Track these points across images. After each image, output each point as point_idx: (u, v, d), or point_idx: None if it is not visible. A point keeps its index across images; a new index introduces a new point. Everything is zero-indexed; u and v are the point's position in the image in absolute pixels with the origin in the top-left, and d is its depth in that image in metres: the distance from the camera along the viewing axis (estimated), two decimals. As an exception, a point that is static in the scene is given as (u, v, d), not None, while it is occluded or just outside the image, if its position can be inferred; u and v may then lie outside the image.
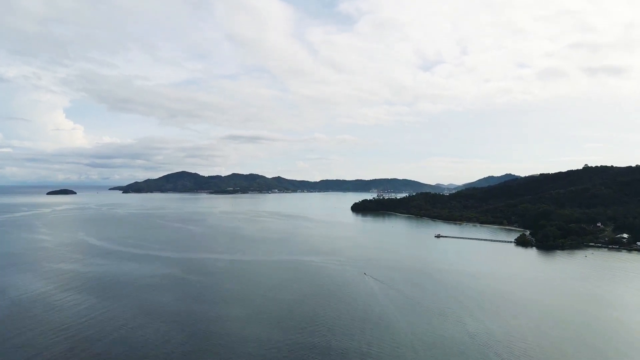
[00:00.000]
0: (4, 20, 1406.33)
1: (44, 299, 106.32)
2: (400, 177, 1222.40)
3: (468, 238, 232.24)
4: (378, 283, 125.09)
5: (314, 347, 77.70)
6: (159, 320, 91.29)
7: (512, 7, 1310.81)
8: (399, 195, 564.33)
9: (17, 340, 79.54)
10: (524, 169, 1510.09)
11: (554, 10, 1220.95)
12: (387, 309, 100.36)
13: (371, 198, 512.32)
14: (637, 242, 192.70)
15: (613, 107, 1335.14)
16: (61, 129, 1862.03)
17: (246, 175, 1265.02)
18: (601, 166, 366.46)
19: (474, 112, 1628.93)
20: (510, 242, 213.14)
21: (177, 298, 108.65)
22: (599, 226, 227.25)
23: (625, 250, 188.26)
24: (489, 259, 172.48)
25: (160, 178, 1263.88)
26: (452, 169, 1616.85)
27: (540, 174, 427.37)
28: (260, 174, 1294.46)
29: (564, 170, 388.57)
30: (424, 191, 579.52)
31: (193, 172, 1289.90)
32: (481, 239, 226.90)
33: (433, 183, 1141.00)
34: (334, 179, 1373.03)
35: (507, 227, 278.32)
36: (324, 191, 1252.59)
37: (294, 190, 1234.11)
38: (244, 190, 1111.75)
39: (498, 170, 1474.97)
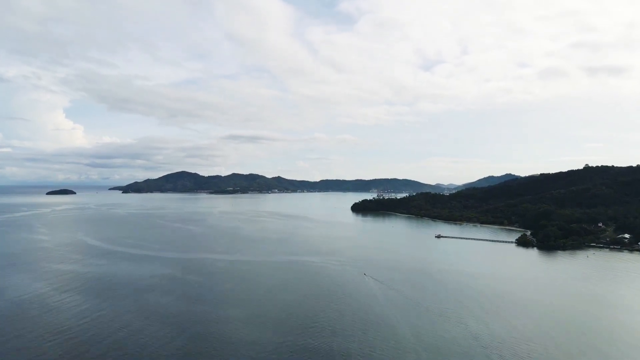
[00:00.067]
0: (4, 20, 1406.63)
1: (42, 300, 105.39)
2: (400, 177, 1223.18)
3: (469, 238, 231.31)
4: (379, 284, 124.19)
5: (315, 350, 76.77)
6: (157, 322, 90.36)
7: (512, 7, 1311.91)
8: (399, 195, 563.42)
9: (14, 342, 78.58)
10: (524, 168, 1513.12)
11: (554, 10, 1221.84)
12: (388, 310, 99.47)
13: (371, 198, 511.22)
14: (639, 243, 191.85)
15: (613, 107, 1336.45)
16: (61, 129, 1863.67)
17: (246, 175, 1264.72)
18: (602, 166, 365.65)
19: (474, 112, 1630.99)
20: (511, 242, 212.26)
21: (176, 299, 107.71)
22: (600, 226, 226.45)
23: (626, 251, 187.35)
24: (490, 259, 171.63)
25: (160, 178, 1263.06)
26: (452, 169, 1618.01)
27: (541, 174, 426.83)
28: (260, 174, 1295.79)
29: (564, 170, 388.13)
30: (424, 191, 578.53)
31: (193, 172, 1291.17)
32: (482, 239, 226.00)
33: (433, 183, 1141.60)
34: (334, 179, 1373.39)
35: (508, 227, 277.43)
36: (324, 191, 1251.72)
37: (294, 190, 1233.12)
38: (243, 190, 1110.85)
39: (498, 170, 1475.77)
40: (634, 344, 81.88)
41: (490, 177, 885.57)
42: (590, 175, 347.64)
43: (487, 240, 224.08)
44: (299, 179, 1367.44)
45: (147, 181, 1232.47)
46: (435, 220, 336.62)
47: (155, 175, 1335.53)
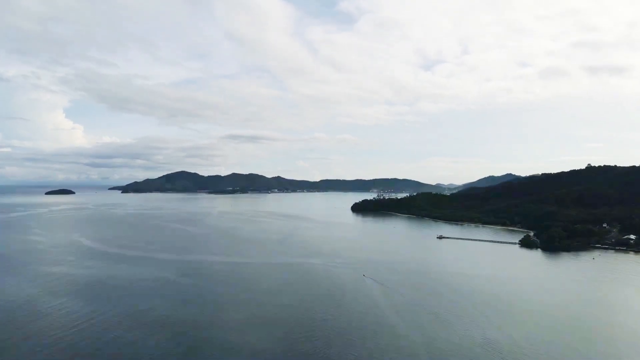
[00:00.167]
0: (4, 20, 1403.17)
1: (32, 305, 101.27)
2: (400, 177, 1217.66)
3: (471, 239, 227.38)
4: (380, 286, 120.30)
5: (313, 355, 73.14)
6: (152, 327, 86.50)
7: (513, 6, 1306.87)
8: (400, 195, 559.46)
9: (-5, 350, 74.78)
10: (525, 168, 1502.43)
11: (555, 10, 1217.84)
12: (388, 314, 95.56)
13: (371, 198, 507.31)
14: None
15: (614, 107, 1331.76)
16: (61, 129, 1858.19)
17: (246, 175, 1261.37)
18: (604, 166, 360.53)
19: (474, 111, 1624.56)
20: (515, 243, 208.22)
21: (172, 303, 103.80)
22: (605, 227, 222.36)
23: (632, 252, 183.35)
24: (494, 261, 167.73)
25: (159, 178, 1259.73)
26: (452, 169, 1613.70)
27: (542, 174, 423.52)
28: (260, 174, 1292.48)
29: (565, 169, 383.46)
30: (424, 191, 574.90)
31: (192, 172, 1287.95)
32: (485, 240, 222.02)
33: (433, 183, 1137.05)
34: (334, 178, 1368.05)
35: (510, 228, 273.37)
36: (324, 191, 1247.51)
37: (294, 190, 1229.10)
38: (243, 190, 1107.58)
39: (499, 170, 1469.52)
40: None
41: (491, 177, 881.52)
42: (593, 175, 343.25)
43: (490, 241, 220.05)
44: (298, 178, 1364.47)
45: (147, 181, 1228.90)
46: (436, 221, 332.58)
47: (155, 175, 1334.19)
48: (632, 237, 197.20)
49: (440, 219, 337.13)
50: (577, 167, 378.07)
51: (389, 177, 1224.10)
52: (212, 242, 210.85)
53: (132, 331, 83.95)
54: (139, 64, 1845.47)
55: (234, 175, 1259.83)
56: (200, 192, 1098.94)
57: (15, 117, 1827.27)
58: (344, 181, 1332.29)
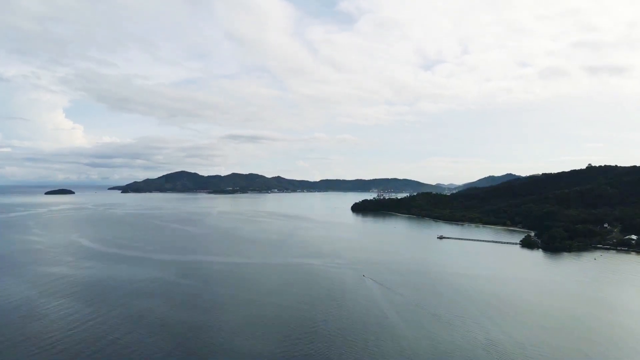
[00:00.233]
0: (4, 19, 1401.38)
1: (28, 306, 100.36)
2: (400, 177, 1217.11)
3: (472, 239, 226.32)
4: (380, 287, 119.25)
5: (313, 357, 72.01)
6: (147, 328, 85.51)
7: (513, 6, 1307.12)
8: (400, 195, 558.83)
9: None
10: (525, 168, 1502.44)
11: (555, 10, 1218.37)
12: (389, 315, 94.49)
13: (371, 198, 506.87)
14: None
15: (614, 107, 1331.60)
16: (61, 129, 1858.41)
17: (246, 175, 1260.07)
18: (605, 165, 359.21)
19: (474, 111, 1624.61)
20: (516, 243, 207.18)
21: (167, 304, 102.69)
22: (606, 227, 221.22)
23: (634, 252, 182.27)
24: (495, 261, 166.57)
25: (159, 178, 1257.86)
26: (452, 169, 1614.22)
27: (543, 174, 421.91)
28: (259, 174, 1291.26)
29: (565, 169, 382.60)
30: (424, 191, 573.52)
31: (192, 171, 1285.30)
32: (485, 240, 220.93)
33: (433, 183, 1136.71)
34: (334, 178, 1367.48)
35: (511, 228, 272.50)
36: (324, 191, 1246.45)
37: (294, 190, 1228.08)
38: (243, 190, 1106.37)
39: (499, 170, 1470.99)
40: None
41: (491, 177, 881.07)
42: (594, 175, 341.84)
43: (490, 241, 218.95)
44: (298, 178, 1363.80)
45: (147, 181, 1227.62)
46: (436, 221, 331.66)
47: (155, 175, 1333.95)
48: (634, 237, 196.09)
49: (440, 219, 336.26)
50: (577, 167, 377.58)
51: (389, 177, 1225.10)
52: (211, 243, 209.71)
53: (131, 333, 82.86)
54: (139, 64, 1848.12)
55: (234, 175, 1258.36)
56: (200, 192, 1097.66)
57: (15, 117, 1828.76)
58: (344, 181, 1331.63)
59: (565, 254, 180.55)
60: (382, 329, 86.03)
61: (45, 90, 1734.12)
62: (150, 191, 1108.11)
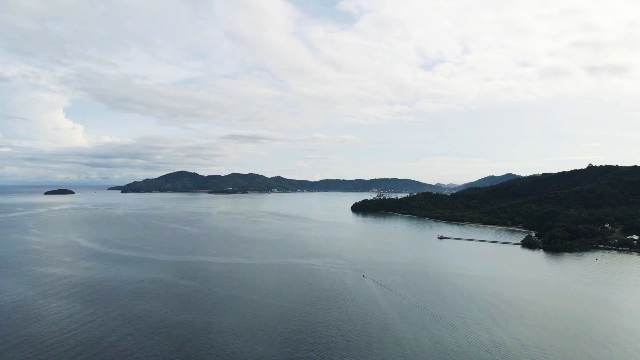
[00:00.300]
0: (3, 19, 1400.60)
1: (26, 307, 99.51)
2: (400, 177, 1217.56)
3: (473, 240, 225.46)
4: (381, 288, 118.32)
5: (313, 363, 71.10)
6: (146, 330, 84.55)
7: (514, 5, 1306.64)
8: (400, 195, 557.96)
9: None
10: (525, 168, 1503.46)
11: (556, 9, 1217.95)
12: (391, 317, 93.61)
13: (371, 198, 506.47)
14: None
15: (615, 107, 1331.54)
16: (60, 129, 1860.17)
17: (246, 175, 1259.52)
18: (606, 165, 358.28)
19: (475, 111, 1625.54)
20: (517, 243, 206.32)
21: (167, 305, 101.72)
22: (608, 227, 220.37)
23: (635, 253, 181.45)
24: (496, 261, 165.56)
25: (159, 178, 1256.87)
26: (452, 169, 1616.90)
27: (543, 174, 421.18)
28: (259, 174, 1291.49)
29: (565, 169, 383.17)
30: (424, 191, 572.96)
31: (192, 171, 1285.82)
32: (486, 241, 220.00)
33: (433, 183, 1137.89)
34: (334, 178, 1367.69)
35: (512, 228, 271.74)
36: (324, 191, 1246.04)
37: (294, 190, 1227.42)
38: (243, 190, 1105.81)
39: (499, 169, 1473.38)
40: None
41: (491, 177, 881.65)
42: (594, 175, 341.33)
43: (491, 241, 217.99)
44: (298, 178, 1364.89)
45: (147, 181, 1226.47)
46: (437, 221, 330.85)
47: (155, 175, 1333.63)
48: (635, 237, 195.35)
49: (440, 219, 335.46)
50: (577, 167, 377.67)
51: (389, 177, 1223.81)
52: (211, 243, 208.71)
53: (131, 335, 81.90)
54: (138, 64, 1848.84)
55: (233, 175, 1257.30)
56: (200, 192, 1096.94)
57: (15, 116, 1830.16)
58: (344, 181, 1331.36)
59: (567, 254, 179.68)
60: (384, 331, 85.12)
61: (45, 90, 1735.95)
62: (150, 191, 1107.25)
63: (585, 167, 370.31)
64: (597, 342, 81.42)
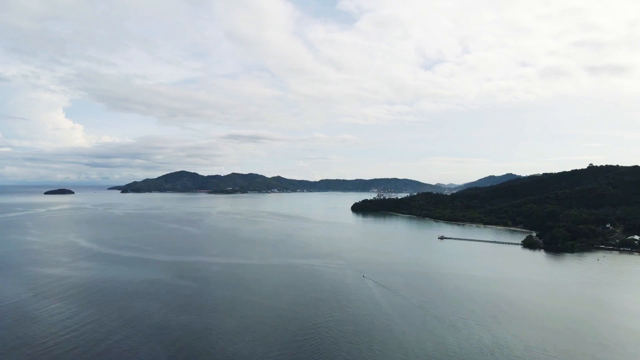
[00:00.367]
0: (3, 18, 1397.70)
1: (25, 308, 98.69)
2: (400, 177, 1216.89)
3: (473, 240, 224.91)
4: (381, 289, 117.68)
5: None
6: (144, 332, 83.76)
7: (514, 5, 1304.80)
8: (400, 195, 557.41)
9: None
10: (525, 168, 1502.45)
11: (556, 8, 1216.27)
12: (393, 318, 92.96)
13: (371, 198, 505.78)
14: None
15: (615, 106, 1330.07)
16: (60, 129, 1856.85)
17: (245, 175, 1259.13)
18: (606, 165, 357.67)
19: (475, 111, 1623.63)
20: (517, 244, 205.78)
21: (166, 306, 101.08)
22: (609, 228, 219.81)
23: (637, 253, 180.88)
24: (497, 262, 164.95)
25: (159, 178, 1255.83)
26: (452, 169, 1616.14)
27: (543, 174, 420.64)
28: (259, 174, 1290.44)
29: (565, 169, 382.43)
30: (424, 191, 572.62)
31: (192, 171, 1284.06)
32: (487, 241, 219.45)
33: (433, 183, 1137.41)
34: (334, 178, 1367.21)
35: (512, 228, 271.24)
36: (324, 191, 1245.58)
37: (294, 190, 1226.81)
38: (243, 190, 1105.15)
39: (499, 169, 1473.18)
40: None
41: (491, 177, 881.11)
42: (595, 175, 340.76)
43: (492, 241, 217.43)
44: (298, 178, 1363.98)
45: (146, 181, 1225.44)
46: (437, 221, 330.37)
47: (155, 174, 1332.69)
48: (637, 237, 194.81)
49: (441, 219, 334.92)
50: (577, 167, 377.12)
51: (389, 177, 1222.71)
52: (211, 243, 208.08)
53: (130, 337, 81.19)
54: (138, 63, 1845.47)
55: (233, 175, 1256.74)
56: (200, 192, 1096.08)
57: (15, 116, 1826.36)
58: (344, 181, 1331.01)
59: (568, 254, 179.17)
60: (386, 333, 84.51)
61: (44, 89, 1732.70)
62: (149, 191, 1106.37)
63: (585, 167, 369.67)
64: (599, 343, 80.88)
